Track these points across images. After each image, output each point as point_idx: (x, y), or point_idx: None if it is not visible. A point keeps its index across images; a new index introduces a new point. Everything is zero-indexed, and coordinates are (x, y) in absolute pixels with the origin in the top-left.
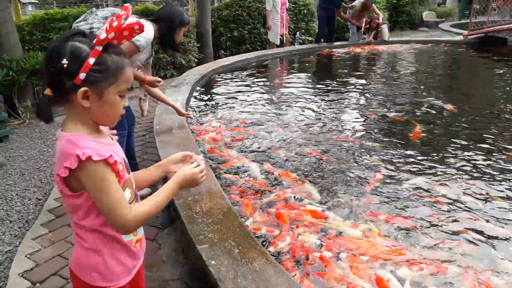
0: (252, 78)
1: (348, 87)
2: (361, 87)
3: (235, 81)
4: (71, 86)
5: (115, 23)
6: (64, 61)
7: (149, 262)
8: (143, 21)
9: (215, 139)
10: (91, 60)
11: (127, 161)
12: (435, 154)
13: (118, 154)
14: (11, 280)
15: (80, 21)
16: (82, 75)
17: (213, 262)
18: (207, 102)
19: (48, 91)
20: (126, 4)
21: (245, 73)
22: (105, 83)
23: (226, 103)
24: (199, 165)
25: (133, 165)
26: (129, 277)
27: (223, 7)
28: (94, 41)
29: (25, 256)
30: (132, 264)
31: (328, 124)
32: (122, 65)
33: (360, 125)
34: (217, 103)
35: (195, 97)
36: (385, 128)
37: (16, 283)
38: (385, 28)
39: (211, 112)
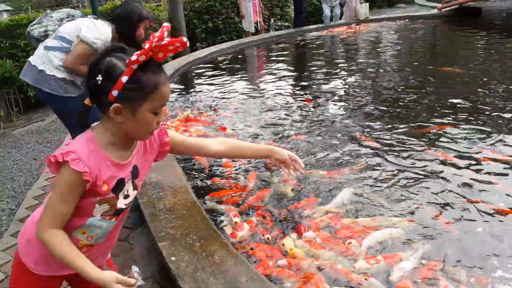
0: (228, 69)
1: (325, 75)
2: (339, 73)
3: (211, 73)
4: (106, 101)
5: (147, 45)
6: (99, 77)
7: (122, 263)
8: (99, 21)
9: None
10: (124, 79)
11: (125, 183)
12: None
13: (117, 174)
14: None
15: (34, 24)
16: (115, 93)
17: (173, 258)
18: (182, 97)
19: (87, 101)
20: (164, 24)
21: (220, 64)
22: (138, 101)
23: (201, 97)
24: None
25: None
26: (53, 273)
27: None
28: (127, 61)
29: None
30: (58, 265)
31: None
32: (157, 83)
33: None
34: (192, 96)
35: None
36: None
37: None
38: (359, 7)
39: (185, 106)
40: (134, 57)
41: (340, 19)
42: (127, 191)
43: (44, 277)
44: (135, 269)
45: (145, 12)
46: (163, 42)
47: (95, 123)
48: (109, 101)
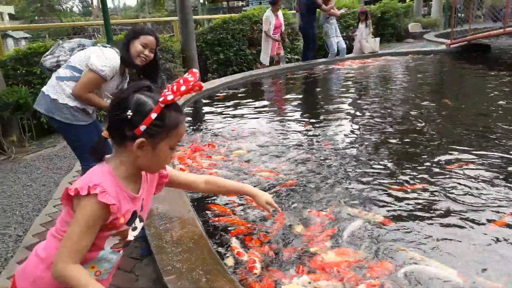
0: (237, 100)
1: (336, 106)
2: (350, 107)
3: (221, 103)
4: (130, 135)
5: (183, 88)
6: (129, 112)
7: None
8: (107, 49)
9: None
10: (153, 115)
11: (138, 214)
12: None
13: (132, 207)
14: None
15: (47, 55)
16: (142, 127)
17: None
18: (191, 126)
19: (105, 134)
20: (194, 70)
21: (230, 94)
22: (161, 137)
23: (210, 126)
24: None
25: None
26: None
27: (207, 30)
28: (161, 100)
29: (6, 278)
30: None
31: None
32: (178, 121)
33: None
34: (201, 126)
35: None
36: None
37: None
38: (365, 42)
39: (195, 134)
40: (170, 97)
41: (345, 53)
42: (135, 223)
43: None
44: None
45: (138, 28)
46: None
47: (109, 156)
48: (134, 135)
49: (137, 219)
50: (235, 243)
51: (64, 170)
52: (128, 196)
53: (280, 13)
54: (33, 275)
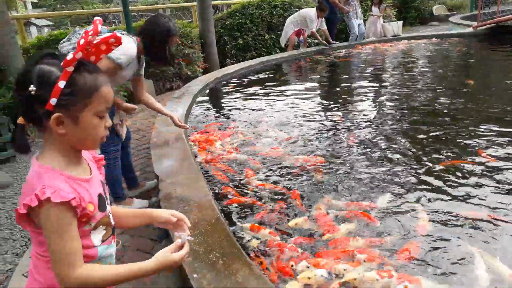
0: (256, 85)
1: (357, 90)
2: (370, 91)
3: (239, 89)
4: (43, 113)
5: (82, 41)
6: (32, 87)
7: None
8: (125, 37)
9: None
10: (61, 84)
11: (105, 195)
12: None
13: (92, 191)
14: None
15: (64, 42)
16: (53, 101)
17: (195, 275)
18: (210, 112)
19: (20, 120)
20: (95, 18)
21: (248, 80)
22: (79, 106)
23: (229, 112)
24: (183, 246)
25: (132, 179)
26: None
27: (226, 16)
28: (62, 63)
29: (22, 274)
30: None
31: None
32: (96, 84)
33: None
34: (220, 111)
35: (198, 107)
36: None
37: None
38: (388, 25)
39: (214, 119)
40: (69, 56)
41: (364, 37)
42: (107, 207)
43: None
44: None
45: (173, 28)
46: (96, 41)
47: (38, 152)
48: (47, 112)
49: (108, 202)
50: (251, 227)
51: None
52: (81, 182)
53: None
54: None
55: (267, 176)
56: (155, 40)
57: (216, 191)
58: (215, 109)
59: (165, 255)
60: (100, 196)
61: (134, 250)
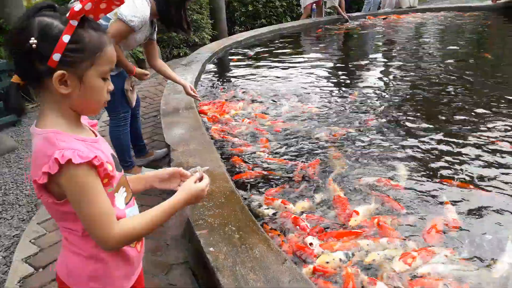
0: (266, 54)
1: (365, 64)
2: (382, 64)
3: (249, 57)
4: (44, 70)
5: None
6: (32, 40)
7: (153, 246)
8: None
9: (220, 118)
10: (66, 38)
11: (116, 157)
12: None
13: (105, 151)
14: (14, 266)
15: (73, 1)
16: (56, 56)
17: (211, 248)
18: (219, 81)
19: (15, 78)
20: None
21: (258, 49)
22: (84, 64)
23: (238, 81)
24: (202, 177)
25: (141, 146)
26: (131, 281)
27: None
28: (68, 15)
29: (29, 241)
30: (132, 269)
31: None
32: (102, 42)
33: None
34: (229, 81)
35: (207, 75)
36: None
37: (18, 269)
38: None
39: (223, 90)
40: (78, 7)
41: (379, 7)
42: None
43: None
44: (199, 168)
45: None
46: None
47: (36, 121)
48: (48, 69)
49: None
50: (265, 199)
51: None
52: (91, 142)
53: None
54: (85, 275)
55: (279, 150)
56: (171, 3)
57: (228, 163)
58: (224, 79)
59: (190, 185)
60: (113, 156)
61: None
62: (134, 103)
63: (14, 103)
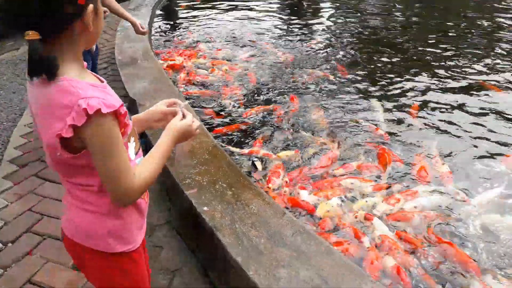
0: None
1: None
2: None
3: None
4: (74, 12)
5: None
6: None
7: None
8: None
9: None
10: None
11: None
12: None
13: (116, 96)
14: None
15: None
16: None
17: (205, 208)
18: (172, 26)
19: (33, 35)
20: None
21: None
22: None
23: (192, 25)
24: (185, 115)
25: None
26: (143, 234)
27: None
28: None
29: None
30: (143, 221)
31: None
32: None
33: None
34: (183, 26)
35: (157, 22)
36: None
37: None
38: None
39: (177, 36)
40: None
41: None
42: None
43: (139, 248)
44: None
45: None
46: None
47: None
48: (78, 8)
49: None
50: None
51: None
52: (103, 88)
53: None
54: (105, 232)
55: (253, 98)
56: None
57: (200, 116)
58: (177, 24)
59: (175, 123)
60: (122, 100)
61: None
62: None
63: (47, 63)
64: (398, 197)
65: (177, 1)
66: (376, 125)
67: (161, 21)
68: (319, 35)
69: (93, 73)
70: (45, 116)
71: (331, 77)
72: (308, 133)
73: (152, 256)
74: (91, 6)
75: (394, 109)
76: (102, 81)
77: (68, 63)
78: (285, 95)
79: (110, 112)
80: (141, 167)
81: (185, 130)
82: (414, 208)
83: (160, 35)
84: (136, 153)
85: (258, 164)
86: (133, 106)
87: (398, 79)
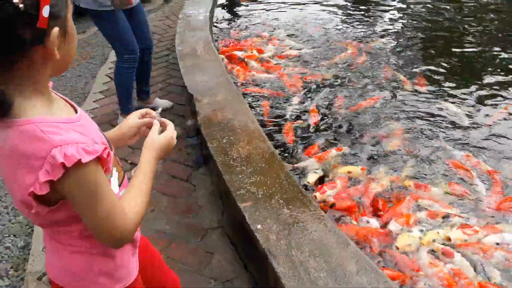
0: None
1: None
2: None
3: None
4: (32, 37)
5: None
6: (15, 0)
7: (184, 206)
8: None
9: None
10: None
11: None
12: None
13: (94, 129)
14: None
15: None
16: (45, 11)
17: (259, 226)
18: (233, 15)
19: None
20: None
21: None
22: (65, 8)
23: (256, 14)
24: (162, 126)
25: (145, 92)
26: (136, 259)
27: None
28: None
29: None
30: (135, 245)
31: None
32: None
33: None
34: (244, 16)
35: (219, 9)
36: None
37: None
38: None
39: (237, 27)
40: None
41: None
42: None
43: (137, 278)
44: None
45: None
46: None
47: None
48: (38, 32)
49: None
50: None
51: (98, 59)
52: (80, 124)
53: None
54: (95, 272)
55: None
56: None
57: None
58: (238, 14)
59: (153, 140)
60: (99, 128)
61: (170, 177)
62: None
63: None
64: (476, 229)
65: None
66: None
67: (223, 9)
68: (392, 31)
69: (63, 97)
70: (10, 168)
71: (408, 84)
72: (378, 146)
73: (203, 261)
74: (55, 29)
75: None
76: (76, 110)
77: (30, 98)
78: (353, 99)
79: (92, 160)
80: (129, 201)
81: (168, 144)
82: (496, 244)
83: (221, 25)
84: (121, 184)
85: (312, 176)
86: (190, 101)
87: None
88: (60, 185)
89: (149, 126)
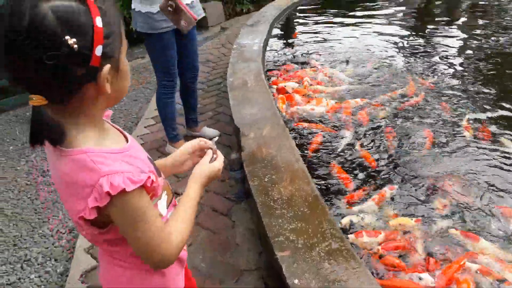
0: (343, 11)
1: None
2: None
3: (323, 16)
4: (85, 75)
5: None
6: (69, 39)
7: (222, 243)
8: None
9: (294, 96)
10: (99, 21)
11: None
12: None
13: (143, 156)
14: (76, 256)
15: None
16: (98, 50)
17: (296, 281)
18: (286, 45)
19: (39, 100)
20: None
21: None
22: (118, 45)
23: (311, 45)
24: (214, 155)
25: (192, 120)
26: (182, 279)
27: None
28: None
29: None
30: (182, 265)
31: None
32: (117, 9)
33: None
34: (301, 45)
35: (275, 39)
36: None
37: (80, 260)
38: None
39: (293, 57)
40: None
41: None
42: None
43: None
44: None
45: None
46: None
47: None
48: (91, 70)
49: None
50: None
51: (153, 85)
52: (129, 156)
53: None
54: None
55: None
56: None
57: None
58: (294, 42)
59: (204, 168)
60: (149, 157)
61: (210, 210)
62: (191, 24)
63: (52, 129)
64: None
65: (297, 13)
66: None
67: (277, 38)
68: (457, 62)
69: (116, 127)
70: (65, 192)
71: (469, 132)
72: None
73: None
74: (107, 66)
75: None
76: (127, 139)
77: (84, 130)
78: (405, 139)
79: (136, 189)
80: (175, 225)
81: (215, 175)
82: None
83: (275, 56)
84: (168, 205)
85: (346, 220)
86: (237, 134)
87: None
88: (107, 211)
89: (202, 154)
